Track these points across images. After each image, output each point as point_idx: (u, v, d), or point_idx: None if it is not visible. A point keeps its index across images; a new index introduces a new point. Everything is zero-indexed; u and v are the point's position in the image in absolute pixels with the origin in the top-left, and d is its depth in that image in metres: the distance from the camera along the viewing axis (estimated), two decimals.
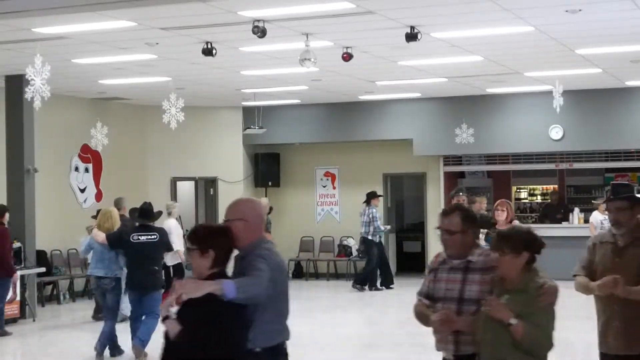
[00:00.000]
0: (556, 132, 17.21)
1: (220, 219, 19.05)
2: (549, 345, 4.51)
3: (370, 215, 17.03)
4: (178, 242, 14.24)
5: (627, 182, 5.43)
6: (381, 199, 17.96)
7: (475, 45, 12.05)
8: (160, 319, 4.50)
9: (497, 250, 4.63)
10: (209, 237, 4.71)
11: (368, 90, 16.75)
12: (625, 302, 4.97)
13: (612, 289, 4.93)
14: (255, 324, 4.61)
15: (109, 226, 10.97)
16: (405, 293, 17.29)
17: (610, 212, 5.19)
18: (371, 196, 17.32)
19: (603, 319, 5.18)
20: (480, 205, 12.83)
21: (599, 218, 15.46)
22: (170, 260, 14.17)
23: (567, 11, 9.82)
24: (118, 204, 13.98)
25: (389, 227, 18.32)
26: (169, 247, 11.10)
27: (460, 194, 11.01)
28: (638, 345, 5.04)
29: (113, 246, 10.60)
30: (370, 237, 17.05)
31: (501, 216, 10.08)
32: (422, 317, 4.84)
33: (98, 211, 12.24)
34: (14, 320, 13.26)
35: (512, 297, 4.53)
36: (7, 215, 12.51)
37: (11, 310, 13.26)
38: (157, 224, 11.18)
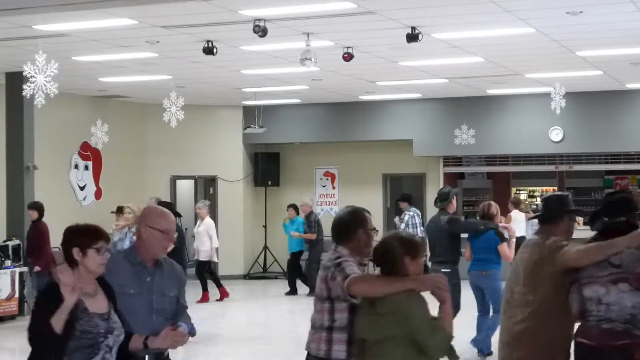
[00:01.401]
0: (556, 134, 17.21)
1: (220, 218, 19.05)
2: None
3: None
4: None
5: (564, 195, 5.48)
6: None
7: (476, 47, 12.05)
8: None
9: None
10: None
11: (368, 90, 16.74)
12: None
13: None
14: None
15: None
16: None
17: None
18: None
19: None
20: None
21: None
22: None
23: (568, 13, 9.82)
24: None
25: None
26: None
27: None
28: None
29: None
30: None
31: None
32: (376, 281, 4.37)
33: (119, 208, 12.35)
34: (12, 317, 13.26)
35: None
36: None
37: (9, 307, 13.28)
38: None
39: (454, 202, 10.42)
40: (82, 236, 4.16)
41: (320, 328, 4.59)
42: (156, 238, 4.63)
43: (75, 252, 4.12)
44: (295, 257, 16.85)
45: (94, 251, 4.13)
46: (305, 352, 4.74)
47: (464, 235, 10.25)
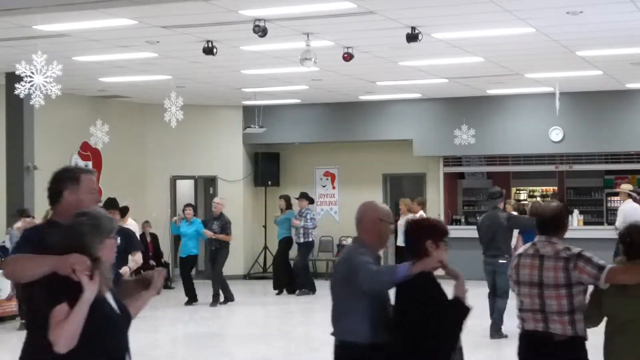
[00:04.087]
0: (556, 134, 17.21)
1: None
2: None
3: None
4: None
5: None
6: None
7: (476, 46, 12.05)
8: None
9: None
10: None
11: (368, 90, 16.75)
12: None
13: None
14: None
15: None
16: None
17: None
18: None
19: None
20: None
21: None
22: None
23: (568, 13, 9.83)
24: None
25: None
26: None
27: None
28: None
29: None
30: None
31: None
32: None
33: (21, 210, 12.43)
34: (12, 318, 13.26)
35: None
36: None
37: (10, 307, 13.27)
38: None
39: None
40: (436, 230, 4.89)
41: (560, 312, 5.13)
42: (388, 230, 5.17)
43: (429, 244, 4.80)
44: (192, 261, 15.79)
45: (444, 244, 4.87)
46: (520, 330, 5.29)
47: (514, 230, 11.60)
